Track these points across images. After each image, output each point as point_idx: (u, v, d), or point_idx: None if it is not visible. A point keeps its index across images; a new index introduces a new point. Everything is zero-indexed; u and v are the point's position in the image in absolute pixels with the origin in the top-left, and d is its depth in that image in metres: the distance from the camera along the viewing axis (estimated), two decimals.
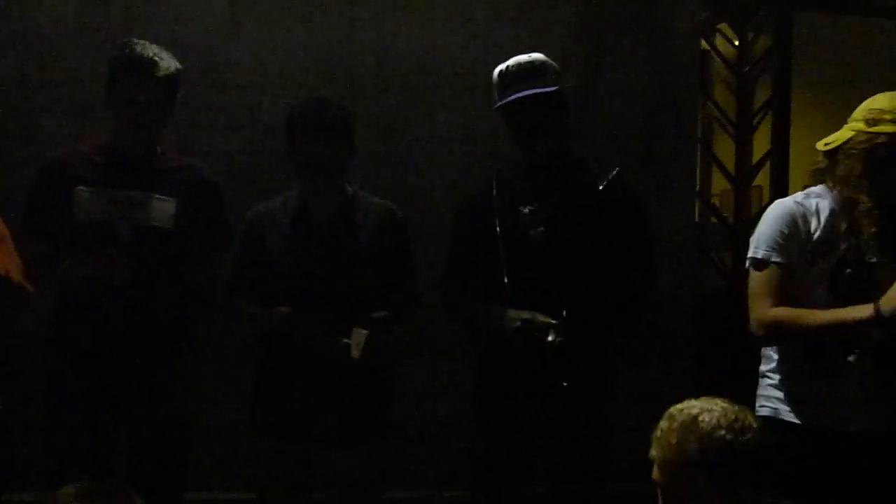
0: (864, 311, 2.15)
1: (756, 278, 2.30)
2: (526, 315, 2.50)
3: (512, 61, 2.66)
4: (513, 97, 2.60)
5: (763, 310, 2.28)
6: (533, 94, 2.59)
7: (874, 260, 2.22)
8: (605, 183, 2.65)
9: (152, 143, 2.69)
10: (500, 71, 2.66)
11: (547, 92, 2.60)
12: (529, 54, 2.68)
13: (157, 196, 2.63)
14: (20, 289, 2.48)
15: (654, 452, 1.80)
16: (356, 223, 2.71)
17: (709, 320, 4.08)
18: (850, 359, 2.23)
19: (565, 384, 2.53)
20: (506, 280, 2.57)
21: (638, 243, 2.71)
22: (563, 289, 2.54)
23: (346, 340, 2.53)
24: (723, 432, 1.73)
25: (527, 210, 2.63)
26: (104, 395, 2.57)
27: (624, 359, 2.75)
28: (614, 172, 2.66)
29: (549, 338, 2.48)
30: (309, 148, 2.63)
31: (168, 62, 2.61)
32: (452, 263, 2.78)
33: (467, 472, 2.75)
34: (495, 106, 2.67)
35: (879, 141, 2.19)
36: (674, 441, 1.76)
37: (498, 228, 2.61)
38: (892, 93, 2.25)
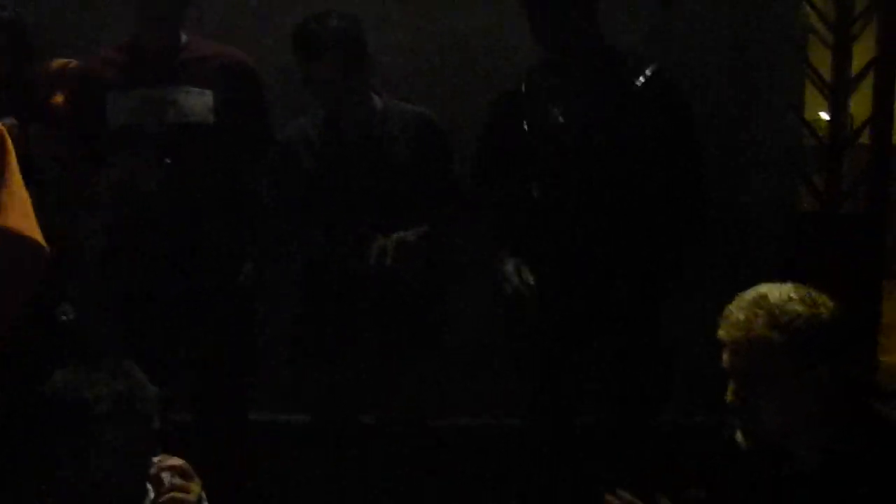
0: None
1: None
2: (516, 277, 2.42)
3: None
4: None
5: None
6: None
7: None
8: (642, 79, 2.44)
9: (175, 32, 2.49)
10: None
11: None
12: None
13: (192, 89, 2.44)
14: (37, 247, 2.40)
15: (721, 333, 1.69)
16: (389, 136, 2.52)
17: (802, 245, 3.83)
18: None
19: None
20: (534, 186, 2.42)
21: (681, 147, 2.49)
22: (593, 196, 2.37)
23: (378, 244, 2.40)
24: (795, 305, 1.63)
25: (556, 108, 2.43)
26: (162, 311, 2.49)
27: (708, 282, 2.59)
28: (653, 68, 2.46)
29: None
30: (308, 70, 2.41)
31: None
32: (478, 163, 2.65)
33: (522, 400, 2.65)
34: None
35: None
36: (742, 318, 1.64)
37: (526, 127, 2.44)
38: None
